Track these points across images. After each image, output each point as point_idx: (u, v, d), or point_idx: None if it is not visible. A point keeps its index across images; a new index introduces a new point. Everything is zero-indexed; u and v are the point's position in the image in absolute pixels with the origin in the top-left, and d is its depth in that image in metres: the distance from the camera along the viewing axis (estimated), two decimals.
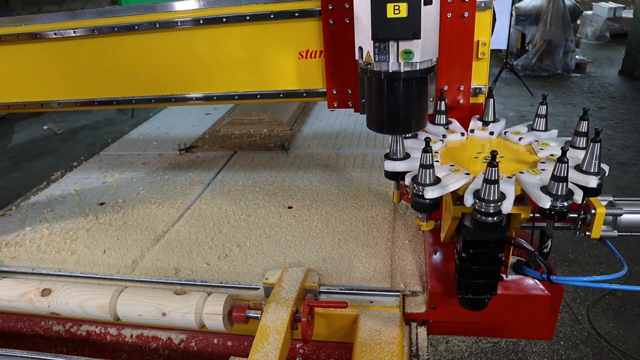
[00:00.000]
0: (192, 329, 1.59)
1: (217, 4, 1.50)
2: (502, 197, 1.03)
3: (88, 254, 1.90)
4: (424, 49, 1.03)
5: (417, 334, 1.51)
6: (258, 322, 1.33)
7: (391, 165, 1.24)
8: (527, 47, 9.34)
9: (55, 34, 1.61)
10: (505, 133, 1.38)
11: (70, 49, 1.65)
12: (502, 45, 7.73)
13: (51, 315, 1.59)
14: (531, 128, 1.36)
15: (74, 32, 1.60)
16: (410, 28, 0.97)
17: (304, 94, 1.58)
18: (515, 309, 1.46)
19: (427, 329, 1.54)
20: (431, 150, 1.09)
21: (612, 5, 11.14)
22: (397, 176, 1.29)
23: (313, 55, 1.51)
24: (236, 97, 1.64)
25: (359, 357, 1.32)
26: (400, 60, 1.04)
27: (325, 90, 1.55)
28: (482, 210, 1.03)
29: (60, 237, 2.04)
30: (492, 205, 1.02)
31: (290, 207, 2.13)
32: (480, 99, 1.46)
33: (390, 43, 1.03)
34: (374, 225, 1.93)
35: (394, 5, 0.95)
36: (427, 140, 1.10)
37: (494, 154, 1.01)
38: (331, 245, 1.82)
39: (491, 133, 1.37)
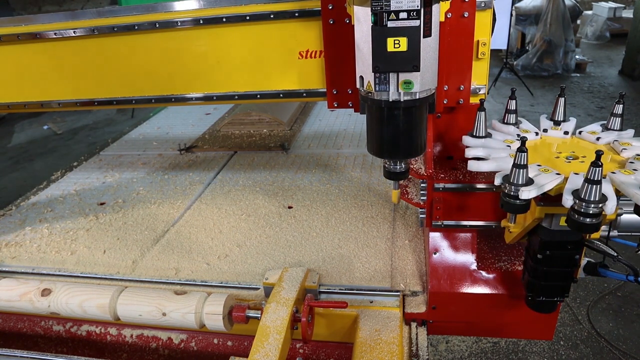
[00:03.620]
0: (192, 329, 1.60)
1: (217, 4, 1.50)
2: (604, 198, 1.01)
3: (88, 254, 1.90)
4: (423, 80, 1.05)
5: (417, 334, 1.51)
6: (258, 322, 1.33)
7: (476, 166, 1.22)
8: (527, 47, 9.34)
9: (55, 34, 1.61)
10: (580, 132, 1.35)
11: (70, 49, 1.65)
12: (502, 45, 7.73)
13: (51, 315, 1.59)
14: (606, 127, 1.33)
15: (74, 32, 1.59)
16: (410, 61, 1.00)
17: (304, 94, 1.57)
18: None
19: (427, 329, 1.55)
20: (526, 150, 1.07)
21: (612, 5, 11.13)
22: (397, 176, 1.28)
23: (313, 55, 1.50)
24: (236, 97, 1.64)
25: (359, 357, 1.32)
26: (400, 90, 1.06)
27: (325, 90, 1.55)
28: (582, 211, 1.01)
29: (60, 237, 2.04)
30: (593, 206, 1.00)
31: (290, 207, 2.13)
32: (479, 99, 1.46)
33: (390, 74, 1.05)
34: (374, 225, 1.93)
35: (394, 40, 0.97)
36: (524, 140, 1.08)
37: (599, 153, 0.99)
38: (331, 245, 1.82)
39: (566, 132, 1.35)
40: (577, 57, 9.25)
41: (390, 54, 0.98)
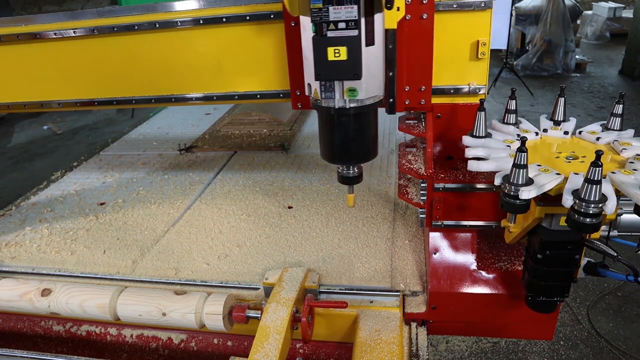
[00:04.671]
0: (192, 329, 1.60)
1: (217, 4, 1.50)
2: (604, 198, 1.01)
3: (88, 254, 1.90)
4: (367, 87, 1.07)
5: (417, 334, 1.51)
6: (258, 322, 1.33)
7: (476, 165, 1.23)
8: (527, 47, 9.34)
9: (55, 34, 1.61)
10: (579, 132, 1.35)
11: (70, 49, 1.65)
12: (502, 45, 7.73)
13: (51, 315, 1.59)
14: (605, 127, 1.33)
15: (74, 32, 1.60)
16: (350, 70, 1.02)
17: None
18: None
19: (427, 329, 1.55)
20: (526, 150, 1.07)
21: (612, 5, 11.13)
22: (350, 181, 1.31)
23: None
24: (236, 97, 1.64)
25: (359, 357, 1.32)
26: (345, 98, 1.08)
27: None
28: (582, 210, 1.01)
29: (60, 237, 2.04)
30: (593, 205, 1.00)
31: (290, 207, 2.13)
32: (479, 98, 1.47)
33: (335, 82, 1.07)
34: (374, 225, 1.93)
35: (334, 49, 0.99)
36: (524, 140, 1.09)
37: (599, 153, 0.99)
38: (331, 245, 1.82)
39: (566, 132, 1.35)
40: (577, 57, 9.25)
41: (331, 62, 1.01)
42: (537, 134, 1.35)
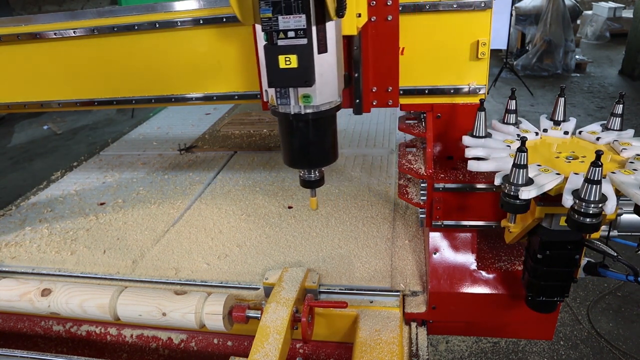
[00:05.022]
0: (192, 329, 1.60)
1: (217, 4, 1.50)
2: (604, 198, 1.01)
3: (88, 254, 1.90)
4: (322, 93, 1.10)
5: (417, 334, 1.51)
6: (258, 322, 1.33)
7: (476, 165, 1.23)
8: (527, 47, 9.34)
9: (55, 34, 1.61)
10: (579, 132, 1.35)
11: (70, 49, 1.65)
12: (502, 45, 7.73)
13: (51, 315, 1.59)
14: (605, 127, 1.34)
15: (74, 32, 1.60)
16: (301, 77, 1.04)
17: None
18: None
19: (427, 329, 1.55)
20: (526, 150, 1.08)
21: (612, 5, 11.13)
22: (312, 185, 1.32)
23: None
24: (236, 97, 1.64)
25: (359, 357, 1.32)
26: (300, 104, 1.11)
27: None
28: (582, 210, 1.01)
29: (60, 237, 2.04)
30: (593, 205, 1.00)
31: (290, 207, 2.13)
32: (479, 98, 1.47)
33: (290, 88, 1.10)
34: (374, 225, 1.93)
35: (285, 57, 1.01)
36: (524, 140, 1.09)
37: (599, 153, 0.99)
38: (331, 245, 1.82)
39: (566, 132, 1.35)
40: (577, 57, 9.25)
41: (282, 70, 1.03)
42: (537, 134, 1.35)
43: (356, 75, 1.36)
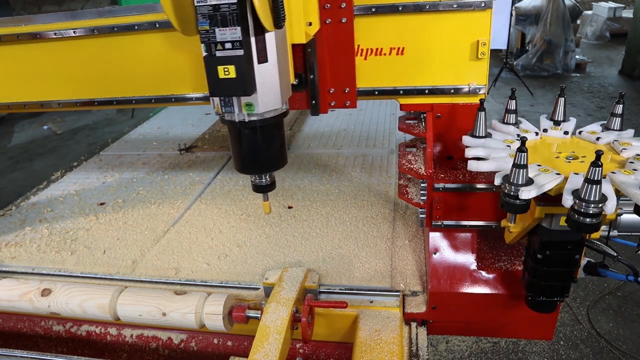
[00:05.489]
0: (192, 329, 1.60)
1: None
2: (604, 198, 1.02)
3: (88, 254, 1.90)
4: (264, 102, 1.14)
5: (417, 334, 1.51)
6: (258, 322, 1.33)
7: (476, 166, 1.24)
8: (527, 47, 9.34)
9: (55, 34, 1.61)
10: (579, 132, 1.35)
11: (70, 49, 1.65)
12: (502, 45, 7.73)
13: (51, 315, 1.59)
14: (606, 127, 1.34)
15: (74, 32, 1.59)
16: (240, 86, 1.08)
17: None
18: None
19: (427, 329, 1.55)
20: (526, 150, 1.08)
21: (612, 5, 11.13)
22: (263, 189, 1.38)
23: None
24: None
25: (359, 357, 1.32)
26: (244, 112, 1.15)
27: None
28: (582, 210, 1.02)
29: (60, 237, 2.04)
30: (593, 205, 1.00)
31: (290, 207, 2.13)
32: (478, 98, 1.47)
33: (234, 97, 1.14)
34: (374, 225, 1.93)
35: (224, 68, 1.05)
36: (524, 140, 1.09)
37: (599, 153, 0.99)
38: (331, 245, 1.82)
39: (566, 132, 1.35)
40: (577, 57, 9.25)
41: (221, 80, 1.07)
42: (537, 134, 1.35)
43: (311, 77, 1.40)
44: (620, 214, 1.28)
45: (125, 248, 1.92)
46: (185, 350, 1.67)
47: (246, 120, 1.17)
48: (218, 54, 1.05)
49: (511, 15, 7.76)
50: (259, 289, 1.61)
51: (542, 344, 3.23)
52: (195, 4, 1.01)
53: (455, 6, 1.37)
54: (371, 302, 1.54)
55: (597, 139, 1.30)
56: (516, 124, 1.39)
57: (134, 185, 2.47)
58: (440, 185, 1.46)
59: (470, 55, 1.43)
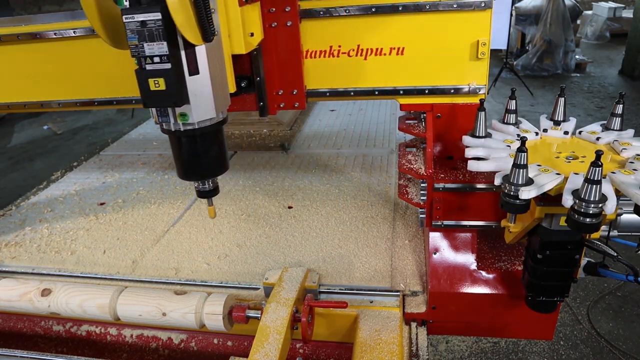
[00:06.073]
0: (192, 329, 1.60)
1: None
2: (604, 198, 1.02)
3: (88, 254, 1.90)
4: (197, 112, 1.17)
5: (417, 334, 1.51)
6: (258, 322, 1.33)
7: (476, 166, 1.24)
8: (527, 47, 9.34)
9: (55, 34, 1.61)
10: (579, 132, 1.35)
11: (70, 49, 1.65)
12: (502, 45, 7.73)
13: (51, 315, 1.59)
14: (606, 127, 1.34)
15: (74, 32, 1.59)
16: (170, 98, 1.11)
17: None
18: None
19: (427, 329, 1.55)
20: (526, 150, 1.08)
21: (612, 5, 11.13)
22: (207, 194, 1.39)
23: (313, 55, 1.51)
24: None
25: (359, 357, 1.32)
26: (179, 122, 1.18)
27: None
28: (582, 210, 1.02)
29: (60, 237, 2.04)
30: (593, 205, 1.01)
31: (290, 207, 2.13)
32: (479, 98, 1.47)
33: (169, 107, 1.17)
34: (374, 225, 1.93)
35: (154, 81, 1.09)
36: (524, 140, 1.09)
37: (599, 153, 0.99)
38: (331, 245, 1.82)
39: (566, 132, 1.36)
40: (577, 57, 9.25)
41: (152, 92, 1.10)
42: (537, 134, 1.35)
43: (258, 79, 1.44)
44: (620, 214, 1.28)
45: (125, 248, 1.92)
46: (185, 350, 1.67)
47: (181, 129, 1.21)
48: (148, 67, 1.09)
49: (511, 15, 7.76)
50: (259, 289, 1.61)
51: (542, 344, 3.23)
52: (124, 20, 1.05)
53: (455, 6, 1.37)
54: (371, 302, 1.54)
55: (597, 139, 1.30)
56: (516, 124, 1.39)
57: (134, 185, 2.47)
58: (440, 185, 1.46)
59: (470, 55, 1.43)
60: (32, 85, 1.75)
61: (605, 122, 1.35)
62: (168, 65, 1.08)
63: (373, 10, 1.41)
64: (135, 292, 1.52)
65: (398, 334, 1.39)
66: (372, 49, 1.47)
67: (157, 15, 1.03)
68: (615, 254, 1.26)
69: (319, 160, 2.60)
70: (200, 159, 1.29)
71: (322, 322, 1.52)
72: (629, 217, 1.29)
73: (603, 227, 1.30)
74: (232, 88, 1.34)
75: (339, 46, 1.48)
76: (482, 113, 1.35)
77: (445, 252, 1.53)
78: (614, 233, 1.32)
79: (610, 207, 1.00)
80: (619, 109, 1.31)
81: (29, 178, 6.14)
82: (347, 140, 2.85)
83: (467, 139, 1.35)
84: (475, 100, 1.48)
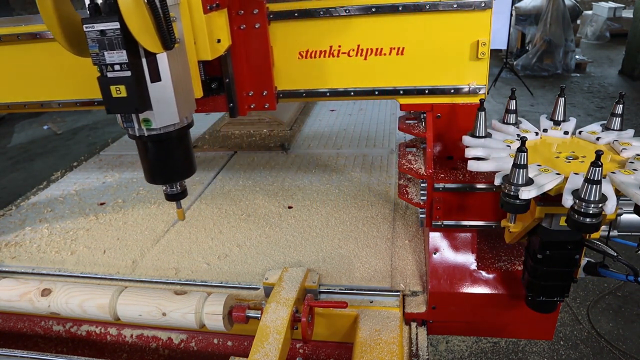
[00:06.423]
0: (192, 329, 1.60)
1: None
2: (604, 198, 1.02)
3: (88, 254, 1.90)
4: (160, 118, 1.20)
5: (417, 334, 1.51)
6: (258, 322, 1.33)
7: (476, 166, 1.24)
8: (527, 47, 9.34)
9: None
10: (579, 132, 1.35)
11: None
12: (502, 45, 7.73)
13: (51, 315, 1.59)
14: (606, 127, 1.34)
15: None
16: (131, 105, 1.14)
17: (304, 94, 1.58)
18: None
19: (427, 329, 1.55)
20: (526, 150, 1.08)
21: (612, 5, 11.13)
22: (176, 197, 1.43)
23: (313, 55, 1.51)
24: None
25: (359, 357, 1.32)
26: (143, 127, 1.21)
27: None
28: (582, 210, 1.02)
29: (60, 237, 2.04)
30: (593, 205, 1.01)
31: (290, 207, 2.13)
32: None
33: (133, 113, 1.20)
34: (374, 225, 1.93)
35: (116, 88, 1.11)
36: (524, 140, 1.09)
37: (599, 153, 0.99)
38: (331, 245, 1.82)
39: (566, 132, 1.36)
40: (577, 57, 9.25)
41: (114, 99, 1.13)
42: (537, 134, 1.35)
43: (227, 81, 1.46)
44: (620, 214, 1.28)
45: (125, 248, 1.92)
46: (185, 350, 1.67)
47: (145, 134, 1.23)
48: (109, 75, 1.11)
49: (511, 15, 7.76)
50: (259, 289, 1.61)
51: (542, 344, 3.23)
52: (85, 29, 1.07)
53: (455, 6, 1.37)
54: (371, 302, 1.54)
55: (597, 139, 1.30)
56: (516, 124, 1.39)
57: (134, 185, 2.47)
58: (440, 185, 1.46)
59: (470, 55, 1.43)
60: (32, 85, 1.75)
61: (605, 122, 1.35)
62: (128, 73, 1.10)
63: (373, 10, 1.41)
64: (135, 292, 1.52)
65: (398, 334, 1.39)
66: (372, 49, 1.47)
67: (116, 25, 1.05)
68: (615, 254, 1.26)
69: (319, 160, 2.60)
70: (166, 163, 1.32)
71: (322, 322, 1.52)
72: (629, 217, 1.29)
73: (603, 227, 1.30)
74: (198, 93, 1.37)
75: (339, 46, 1.48)
76: (482, 113, 1.35)
77: (445, 252, 1.53)
78: (614, 233, 1.32)
79: (610, 207, 1.00)
80: (619, 109, 1.31)
81: (29, 178, 6.14)
82: (347, 140, 2.85)
83: (467, 139, 1.35)
84: (475, 100, 1.48)
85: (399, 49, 1.46)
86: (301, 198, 2.20)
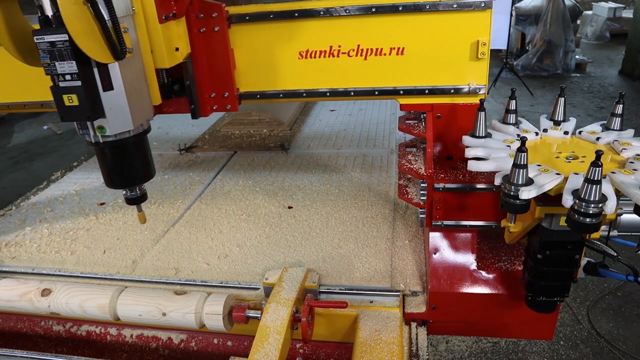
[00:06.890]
0: (192, 329, 1.60)
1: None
2: (604, 198, 1.02)
3: (88, 254, 1.90)
4: (114, 125, 1.23)
5: (417, 334, 1.51)
6: (258, 322, 1.33)
7: (476, 166, 1.24)
8: (527, 47, 9.33)
9: None
10: (579, 132, 1.35)
11: None
12: (502, 45, 7.72)
13: (51, 315, 1.59)
14: (606, 127, 1.34)
15: None
16: (83, 113, 1.17)
17: (304, 94, 1.58)
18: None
19: (427, 329, 1.55)
20: (526, 150, 1.08)
21: (612, 5, 11.13)
22: (136, 201, 1.44)
23: (313, 55, 1.51)
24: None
25: (359, 357, 1.32)
26: (98, 134, 1.24)
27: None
28: (582, 210, 1.02)
29: (60, 237, 2.04)
30: (593, 205, 1.01)
31: (290, 207, 2.13)
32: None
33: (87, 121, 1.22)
34: (374, 225, 1.93)
35: (68, 97, 1.14)
36: (524, 140, 1.09)
37: (599, 153, 0.99)
38: (331, 245, 1.82)
39: (566, 132, 1.36)
40: (577, 57, 9.25)
41: (67, 107, 1.16)
42: (537, 134, 1.35)
43: (187, 82, 1.48)
44: (620, 214, 1.28)
45: (125, 248, 1.92)
46: (185, 350, 1.67)
47: (100, 141, 1.26)
48: (61, 84, 1.14)
49: (511, 15, 7.76)
50: (259, 289, 1.61)
51: (542, 344, 3.23)
52: (35, 41, 1.10)
53: (455, 6, 1.37)
54: (371, 302, 1.54)
55: (597, 139, 1.30)
56: (516, 124, 1.39)
57: None
58: (440, 185, 1.46)
59: (470, 55, 1.43)
60: (32, 85, 1.75)
61: (605, 122, 1.35)
62: (79, 83, 1.13)
63: (373, 10, 1.41)
64: (135, 292, 1.52)
65: (398, 334, 1.39)
66: (372, 49, 1.47)
67: (65, 37, 1.07)
68: (615, 254, 1.26)
69: (319, 160, 2.60)
70: (124, 168, 1.35)
71: (322, 322, 1.52)
72: (629, 217, 1.29)
73: (603, 227, 1.30)
74: (156, 100, 1.38)
75: (339, 46, 1.48)
76: (482, 113, 1.35)
77: (445, 252, 1.53)
78: (614, 233, 1.32)
79: (610, 207, 1.00)
80: (619, 109, 1.31)
81: (29, 178, 6.14)
82: (347, 140, 2.85)
83: (467, 139, 1.35)
84: (475, 100, 1.48)
85: (399, 49, 1.46)
86: (301, 198, 2.20)
